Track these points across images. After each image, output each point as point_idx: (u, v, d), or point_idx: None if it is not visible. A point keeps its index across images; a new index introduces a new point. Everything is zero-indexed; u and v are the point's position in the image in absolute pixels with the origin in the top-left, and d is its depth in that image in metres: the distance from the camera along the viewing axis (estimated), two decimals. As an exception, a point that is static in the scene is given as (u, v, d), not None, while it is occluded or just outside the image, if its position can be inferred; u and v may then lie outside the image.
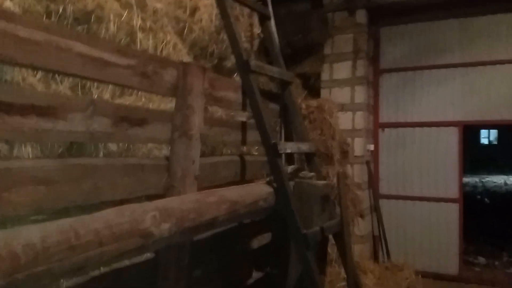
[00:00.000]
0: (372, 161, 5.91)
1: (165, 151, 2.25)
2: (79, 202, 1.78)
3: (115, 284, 2.13)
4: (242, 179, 2.78)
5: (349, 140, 5.41)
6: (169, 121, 2.12)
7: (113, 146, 2.22)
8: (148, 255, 2.22)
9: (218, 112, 2.56)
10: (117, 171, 1.92)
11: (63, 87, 1.95)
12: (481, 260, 6.23)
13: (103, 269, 2.03)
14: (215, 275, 2.63)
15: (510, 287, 5.32)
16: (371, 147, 5.87)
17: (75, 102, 1.70)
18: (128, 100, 2.23)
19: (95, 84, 2.10)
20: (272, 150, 2.54)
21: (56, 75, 1.94)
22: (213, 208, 2.03)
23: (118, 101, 2.20)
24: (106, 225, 1.58)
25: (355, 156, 5.52)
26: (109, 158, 2.05)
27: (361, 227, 5.54)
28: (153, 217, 1.77)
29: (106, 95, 2.18)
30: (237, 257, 2.80)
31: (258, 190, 2.57)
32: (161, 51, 2.36)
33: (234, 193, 2.27)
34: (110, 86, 2.18)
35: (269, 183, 2.65)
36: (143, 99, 2.26)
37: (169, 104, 2.35)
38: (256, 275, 3.03)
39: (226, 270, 2.72)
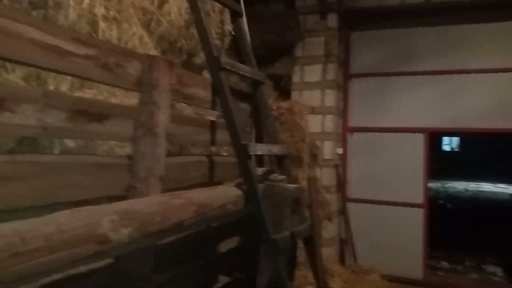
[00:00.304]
0: (341, 165, 5.91)
1: (128, 149, 2.10)
2: (29, 202, 1.61)
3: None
4: (211, 180, 2.66)
5: (318, 143, 5.39)
6: (132, 117, 1.97)
7: (70, 143, 2.06)
8: (108, 260, 2.06)
9: (186, 110, 2.44)
10: (73, 169, 1.76)
11: (15, 76, 1.78)
12: (445, 264, 6.35)
13: (56, 276, 1.86)
14: (180, 280, 2.49)
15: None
16: (340, 150, 5.87)
17: (26, 93, 1.54)
18: (88, 93, 2.07)
19: (52, 74, 1.93)
20: (242, 152, 2.44)
21: (6, 63, 1.77)
22: (179, 211, 1.90)
23: (77, 94, 2.04)
24: (57, 229, 1.43)
25: (324, 159, 5.50)
26: (64, 155, 1.89)
27: (328, 230, 5.52)
28: (111, 221, 1.62)
29: (64, 87, 2.01)
30: (204, 261, 2.67)
31: (227, 193, 2.46)
32: (126, 43, 2.22)
33: (202, 195, 2.15)
34: (69, 78, 2.01)
35: (238, 185, 2.54)
36: (104, 93, 2.11)
37: (134, 100, 2.21)
38: (223, 279, 2.91)
39: (192, 275, 2.59)
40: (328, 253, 5.44)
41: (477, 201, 11.90)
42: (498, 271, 6.01)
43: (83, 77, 1.80)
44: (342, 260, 5.90)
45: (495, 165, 15.30)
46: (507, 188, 13.04)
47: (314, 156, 5.28)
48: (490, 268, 6.12)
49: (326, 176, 5.52)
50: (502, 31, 5.31)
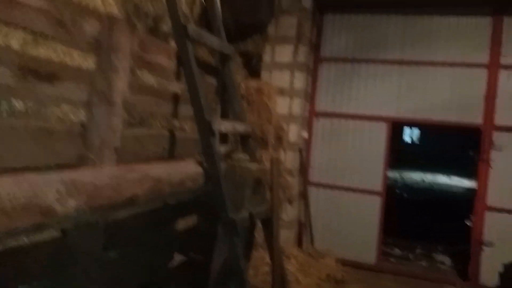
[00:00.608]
0: (305, 149, 5.91)
1: (82, 116, 1.95)
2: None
3: (10, 266, 1.82)
4: (171, 156, 2.54)
5: (284, 125, 5.34)
6: (88, 81, 1.83)
7: (18, 105, 1.89)
8: (54, 235, 1.92)
9: (148, 79, 2.29)
10: (19, 133, 1.61)
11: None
12: (397, 252, 6.55)
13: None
14: (132, 258, 2.39)
15: (422, 278, 5.62)
16: (305, 134, 5.86)
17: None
18: (41, 52, 1.89)
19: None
20: (206, 128, 2.34)
21: None
22: (134, 185, 1.80)
23: (29, 52, 1.86)
24: (-5, 198, 1.30)
25: (289, 142, 5.47)
26: (10, 117, 1.72)
27: (288, 213, 5.54)
28: (57, 191, 1.50)
29: (15, 43, 1.83)
30: (159, 240, 2.57)
31: (187, 170, 2.37)
32: (87, 1, 2.03)
33: (159, 170, 2.05)
34: (21, 33, 1.83)
35: (199, 163, 2.45)
36: (60, 54, 1.93)
37: (92, 64, 2.04)
38: (179, 258, 2.83)
39: (146, 253, 2.49)
40: (286, 235, 5.47)
41: (432, 193, 12.36)
42: (446, 260, 6.26)
43: (35, 32, 1.63)
44: (299, 243, 5.95)
45: (451, 158, 15.92)
46: (460, 181, 13.60)
47: (279, 139, 5.24)
48: (439, 257, 6.37)
49: (289, 159, 5.51)
50: (467, 26, 5.41)
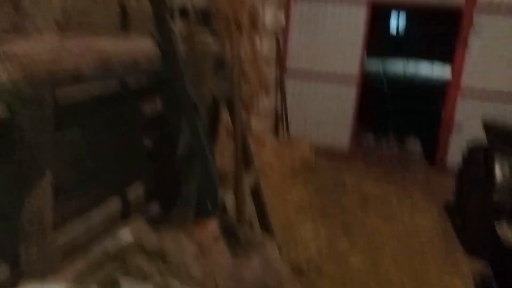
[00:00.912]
0: (282, 36, 5.70)
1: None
2: None
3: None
4: (123, 33, 2.38)
5: (260, 8, 5.05)
6: None
7: None
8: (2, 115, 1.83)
9: None
10: None
11: None
12: (370, 140, 6.75)
13: None
14: (92, 141, 2.34)
15: (391, 164, 5.87)
16: (283, 20, 5.61)
17: None
18: None
19: None
20: (158, 1, 2.16)
21: None
22: (75, 58, 1.69)
23: None
24: None
25: (265, 27, 5.24)
26: None
27: (265, 102, 5.53)
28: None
29: None
30: (122, 122, 2.53)
31: (141, 48, 2.23)
32: None
33: (107, 44, 1.92)
34: None
35: (155, 41, 2.30)
36: None
37: None
38: (146, 143, 2.83)
39: (108, 136, 2.45)
40: (263, 125, 5.53)
41: (412, 84, 12.34)
42: (417, 146, 6.51)
43: None
44: (276, 132, 6.06)
45: (435, 45, 15.58)
46: (442, 70, 13.47)
47: (254, 23, 4.98)
48: (410, 144, 6.60)
49: (265, 46, 5.33)
50: None
